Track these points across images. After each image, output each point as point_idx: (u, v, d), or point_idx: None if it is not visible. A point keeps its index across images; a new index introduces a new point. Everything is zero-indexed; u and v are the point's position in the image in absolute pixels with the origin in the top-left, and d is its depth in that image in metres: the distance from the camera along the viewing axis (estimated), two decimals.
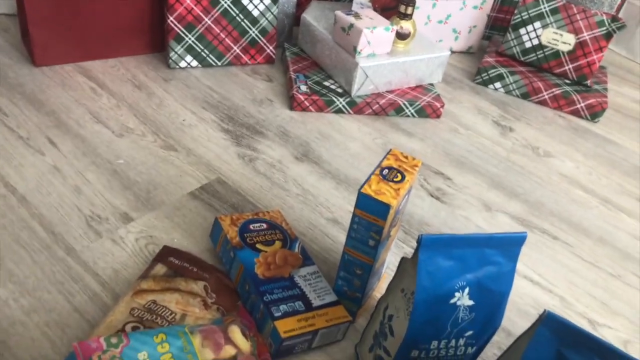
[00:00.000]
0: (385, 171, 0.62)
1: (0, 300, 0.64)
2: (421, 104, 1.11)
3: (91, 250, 0.72)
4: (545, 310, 0.44)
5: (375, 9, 1.16)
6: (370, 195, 0.58)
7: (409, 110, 1.12)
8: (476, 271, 0.51)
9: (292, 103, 1.08)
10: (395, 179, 0.61)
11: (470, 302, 0.52)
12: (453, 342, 0.53)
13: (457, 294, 0.51)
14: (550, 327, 0.44)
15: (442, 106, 1.12)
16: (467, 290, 0.51)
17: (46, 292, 0.66)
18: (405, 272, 0.55)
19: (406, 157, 0.65)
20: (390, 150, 0.65)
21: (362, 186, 0.59)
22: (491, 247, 0.51)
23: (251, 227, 0.74)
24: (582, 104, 1.23)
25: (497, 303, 0.53)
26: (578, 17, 1.22)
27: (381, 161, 0.63)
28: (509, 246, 0.52)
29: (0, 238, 0.71)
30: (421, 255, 0.50)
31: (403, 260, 0.55)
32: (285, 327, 0.61)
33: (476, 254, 0.51)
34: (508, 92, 1.29)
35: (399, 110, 1.11)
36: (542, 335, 0.44)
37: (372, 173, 0.61)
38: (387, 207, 0.57)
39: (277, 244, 0.72)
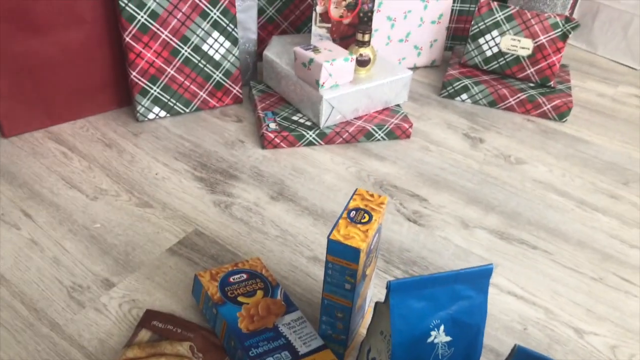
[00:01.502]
0: (352, 213, 0.63)
1: None
2: (390, 127, 1.13)
3: (75, 323, 0.72)
4: (515, 345, 0.45)
5: (333, 40, 1.17)
6: (340, 241, 0.59)
7: (379, 135, 1.13)
8: (449, 308, 0.52)
9: (263, 142, 1.09)
10: (362, 220, 0.62)
11: (448, 338, 0.52)
12: None
13: (433, 333, 0.51)
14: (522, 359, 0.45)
15: (411, 126, 1.14)
16: (442, 327, 0.52)
17: None
18: (381, 315, 0.55)
19: (372, 196, 0.66)
20: (356, 190, 0.66)
21: (330, 232, 0.60)
22: (460, 282, 0.52)
23: (231, 279, 0.74)
24: (549, 106, 1.25)
25: (474, 335, 0.54)
26: (533, 21, 1.25)
27: (347, 203, 0.64)
28: (478, 279, 0.53)
29: None
30: (392, 300, 0.51)
31: (377, 304, 0.56)
32: None
33: (447, 291, 0.52)
34: (475, 102, 1.31)
35: (368, 136, 1.13)
36: None
37: (340, 217, 0.62)
38: (357, 251, 0.58)
39: (259, 293, 0.73)
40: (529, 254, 0.88)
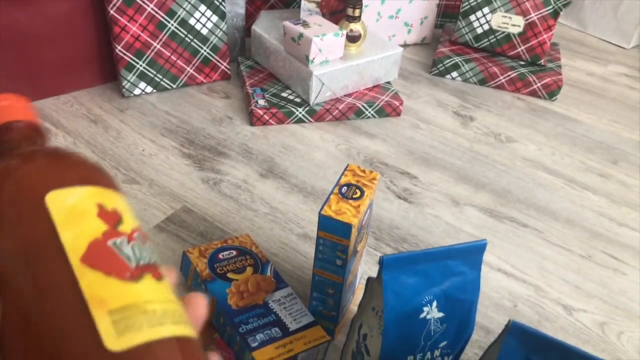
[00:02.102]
0: (344, 189, 0.62)
1: None
2: (380, 104, 1.11)
3: None
4: (510, 321, 0.45)
5: (323, 15, 1.15)
6: (331, 217, 0.58)
7: (369, 112, 1.12)
8: (441, 283, 0.52)
9: (252, 118, 1.07)
10: (354, 196, 0.61)
11: (440, 314, 0.52)
12: (429, 355, 0.54)
13: (425, 309, 0.51)
14: (517, 336, 0.45)
15: (401, 104, 1.13)
16: (435, 303, 0.51)
17: None
18: (373, 291, 0.55)
19: (363, 171, 0.65)
20: (348, 165, 0.65)
21: (322, 207, 0.59)
22: (453, 258, 0.52)
23: (220, 256, 0.73)
24: (539, 84, 1.25)
25: (466, 311, 0.53)
26: None
27: (339, 179, 0.63)
28: (471, 255, 0.52)
29: None
30: (385, 275, 0.50)
31: (369, 280, 0.55)
32: (264, 356, 0.61)
33: (439, 267, 0.51)
34: (465, 81, 1.30)
35: (359, 113, 1.11)
36: (510, 345, 0.45)
37: (331, 192, 0.61)
38: (348, 226, 0.57)
39: (249, 270, 0.72)
40: (519, 232, 0.88)
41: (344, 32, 1.06)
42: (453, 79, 1.30)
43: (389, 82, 1.18)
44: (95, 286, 0.25)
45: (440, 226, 0.88)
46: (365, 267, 0.80)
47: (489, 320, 0.73)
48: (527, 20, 1.24)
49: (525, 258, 0.84)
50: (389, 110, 1.13)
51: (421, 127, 1.12)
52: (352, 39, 1.10)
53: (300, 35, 1.03)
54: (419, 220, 0.89)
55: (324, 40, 1.03)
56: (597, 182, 1.01)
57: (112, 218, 0.28)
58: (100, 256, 0.26)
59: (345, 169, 0.65)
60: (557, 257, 0.84)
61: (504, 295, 0.77)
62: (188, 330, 0.26)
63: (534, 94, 1.26)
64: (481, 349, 0.70)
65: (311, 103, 1.08)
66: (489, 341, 0.70)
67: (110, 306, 0.25)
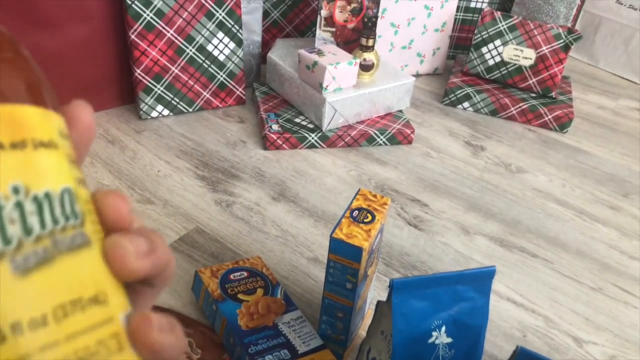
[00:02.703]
0: (355, 213, 0.63)
1: None
2: (392, 132, 1.13)
3: None
4: (517, 346, 0.45)
5: (337, 44, 1.18)
6: (342, 240, 0.59)
7: (381, 139, 1.13)
8: (450, 309, 0.52)
9: (265, 143, 1.09)
10: (365, 220, 0.62)
11: (449, 340, 0.52)
12: None
13: (434, 333, 0.51)
14: None
15: (413, 132, 1.14)
16: (443, 328, 0.52)
17: None
18: (382, 315, 0.55)
19: (375, 196, 0.66)
20: (359, 190, 0.66)
21: (333, 230, 0.60)
22: (463, 283, 0.52)
23: (232, 276, 0.74)
24: (550, 116, 1.26)
25: (475, 337, 0.54)
26: (535, 32, 1.26)
27: (350, 202, 0.64)
28: (480, 281, 0.53)
29: None
30: (394, 298, 0.51)
31: (379, 303, 0.56)
32: None
33: (449, 292, 0.52)
34: (477, 111, 1.31)
35: (370, 140, 1.13)
36: None
37: (343, 216, 0.62)
38: (359, 250, 0.58)
39: (259, 291, 0.73)
40: (528, 262, 0.88)
41: (358, 60, 1.08)
42: (464, 109, 1.32)
43: (401, 111, 1.19)
44: None
45: (450, 254, 0.88)
46: (374, 293, 0.80)
47: (498, 349, 0.73)
48: (538, 53, 1.26)
49: (534, 288, 0.83)
50: (400, 138, 1.14)
51: (432, 155, 1.13)
52: (366, 67, 1.12)
53: (315, 63, 1.06)
54: (429, 247, 0.89)
55: (338, 69, 1.05)
56: (607, 214, 1.02)
57: None
58: None
59: (356, 193, 0.66)
60: (567, 289, 0.84)
61: (513, 325, 0.77)
62: None
63: (545, 125, 1.27)
64: None
65: (324, 129, 1.10)
66: None
67: None
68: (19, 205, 0.17)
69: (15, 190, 0.17)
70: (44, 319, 0.16)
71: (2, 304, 0.16)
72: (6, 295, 0.16)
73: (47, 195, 0.18)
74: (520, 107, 1.27)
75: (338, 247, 0.59)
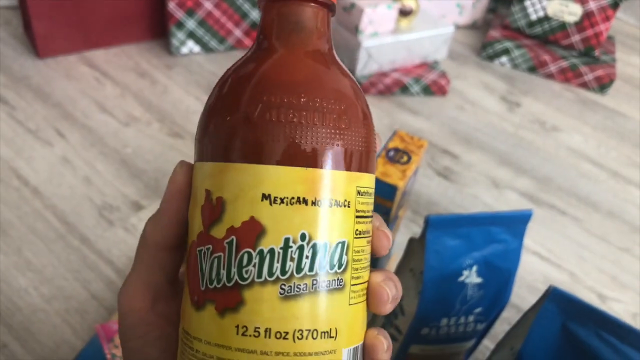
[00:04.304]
0: (392, 153, 0.62)
1: (22, 289, 0.66)
2: (426, 82, 1.11)
3: (105, 239, 0.73)
4: (550, 286, 0.45)
5: None
6: (378, 178, 0.58)
7: (415, 89, 1.11)
8: (483, 249, 0.52)
9: None
10: (401, 160, 0.61)
11: (479, 280, 0.52)
12: (462, 319, 0.54)
13: (465, 272, 0.51)
14: (556, 301, 0.44)
15: (448, 83, 1.12)
16: (474, 268, 0.52)
17: (64, 280, 0.67)
18: (413, 252, 0.55)
19: (412, 138, 0.65)
20: (396, 131, 0.65)
21: None
22: (497, 225, 0.52)
23: None
24: (590, 76, 1.22)
25: (504, 280, 0.53)
26: None
27: (387, 143, 0.63)
28: (515, 224, 0.52)
29: (17, 229, 0.73)
30: (429, 235, 0.50)
31: (411, 240, 0.55)
32: None
33: (482, 233, 0.51)
34: (514, 67, 1.28)
35: (404, 89, 1.11)
36: (548, 310, 0.45)
37: (378, 155, 0.61)
38: (394, 188, 0.58)
39: None
40: (557, 219, 0.87)
41: (397, 4, 1.05)
42: (502, 64, 1.28)
43: (436, 61, 1.16)
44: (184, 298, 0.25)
45: (479, 206, 0.88)
46: (400, 239, 0.80)
47: (521, 299, 0.73)
48: (585, 9, 1.21)
49: (562, 244, 0.83)
50: (434, 89, 1.12)
51: (466, 108, 1.11)
52: (404, 13, 1.09)
53: (352, 5, 1.03)
54: (458, 198, 0.88)
55: (376, 12, 1.02)
56: None
57: (210, 213, 0.23)
58: (189, 262, 0.24)
59: (393, 134, 0.65)
60: (594, 247, 0.83)
61: (538, 278, 0.77)
62: None
63: (584, 85, 1.23)
64: (510, 325, 0.69)
65: (357, 74, 1.08)
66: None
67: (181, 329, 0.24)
68: (301, 249, 0.22)
69: (303, 237, 0.22)
70: (286, 334, 0.22)
71: (265, 313, 0.22)
72: (269, 309, 0.22)
73: (325, 246, 0.22)
74: (559, 64, 1.23)
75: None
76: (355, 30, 1.04)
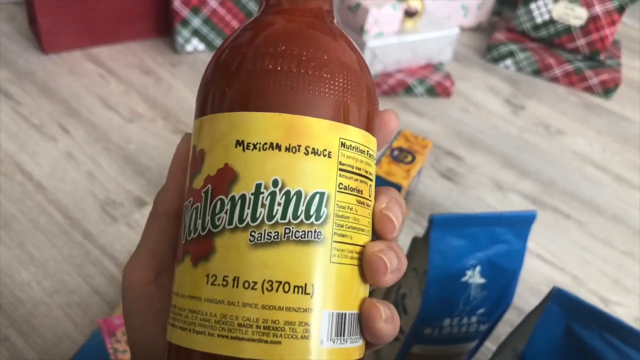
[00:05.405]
0: (396, 152, 0.62)
1: (24, 283, 0.66)
2: (431, 83, 1.11)
3: (107, 235, 0.73)
4: (554, 287, 0.45)
5: None
6: (381, 177, 0.58)
7: (419, 90, 1.11)
8: (487, 249, 0.51)
9: None
10: (405, 160, 0.61)
11: (482, 280, 0.52)
12: (465, 320, 0.54)
13: (468, 272, 0.51)
14: (560, 303, 0.44)
15: (452, 85, 1.12)
16: (478, 268, 0.51)
17: (66, 274, 0.67)
18: (417, 252, 0.55)
19: (416, 138, 0.65)
20: (400, 131, 0.65)
21: None
22: (501, 225, 0.51)
23: None
24: (595, 80, 1.21)
25: (508, 281, 0.53)
26: None
27: (391, 142, 0.63)
28: (519, 225, 0.52)
29: (21, 223, 0.73)
30: (433, 234, 0.50)
31: (415, 240, 0.55)
32: None
33: (487, 233, 0.51)
34: (519, 70, 1.27)
35: (408, 90, 1.11)
36: (551, 311, 0.44)
37: (382, 154, 0.61)
38: (398, 187, 0.58)
39: None
40: (561, 222, 0.87)
41: (402, 5, 1.05)
42: (507, 67, 1.28)
43: (441, 63, 1.16)
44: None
45: (482, 208, 0.87)
46: (403, 239, 0.80)
47: (524, 302, 0.73)
48: (590, 13, 1.21)
49: (565, 247, 0.82)
50: (439, 90, 1.12)
51: (470, 110, 1.11)
52: (410, 14, 1.09)
53: (358, 5, 1.03)
54: (461, 200, 0.88)
55: (381, 12, 1.02)
56: None
57: (192, 166, 0.23)
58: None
59: (398, 134, 0.65)
60: (597, 250, 0.83)
61: (540, 281, 0.77)
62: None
63: (589, 89, 1.23)
64: (512, 327, 0.69)
65: None
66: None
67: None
68: (273, 195, 0.21)
69: (275, 183, 0.21)
70: (254, 284, 0.21)
71: (233, 261, 0.21)
72: (237, 257, 0.21)
73: (299, 193, 0.21)
74: (564, 68, 1.23)
75: (377, 184, 0.59)
76: (360, 30, 1.04)
